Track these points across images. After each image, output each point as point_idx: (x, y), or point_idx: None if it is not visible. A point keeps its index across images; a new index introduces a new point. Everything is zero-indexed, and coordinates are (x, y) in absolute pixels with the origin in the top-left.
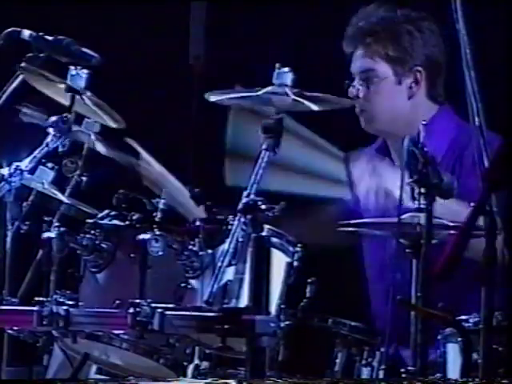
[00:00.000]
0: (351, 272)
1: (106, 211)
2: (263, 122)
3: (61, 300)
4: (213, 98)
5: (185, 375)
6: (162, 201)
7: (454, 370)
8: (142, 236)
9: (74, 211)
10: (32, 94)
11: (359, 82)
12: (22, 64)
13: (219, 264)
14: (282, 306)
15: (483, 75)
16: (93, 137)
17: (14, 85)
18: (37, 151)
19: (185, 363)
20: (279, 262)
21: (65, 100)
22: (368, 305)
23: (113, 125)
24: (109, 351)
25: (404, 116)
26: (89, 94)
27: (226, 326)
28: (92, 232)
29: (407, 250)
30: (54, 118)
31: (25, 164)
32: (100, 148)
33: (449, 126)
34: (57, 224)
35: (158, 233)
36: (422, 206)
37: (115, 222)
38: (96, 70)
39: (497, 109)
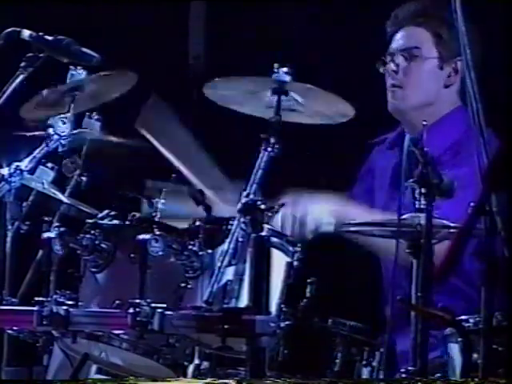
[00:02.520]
0: (352, 272)
1: (106, 211)
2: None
3: (61, 300)
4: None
5: (185, 375)
6: (162, 201)
7: (453, 369)
8: (142, 236)
9: (74, 211)
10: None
11: (401, 58)
12: (22, 64)
13: (219, 264)
14: (282, 306)
15: (483, 75)
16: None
17: (14, 85)
18: (37, 151)
19: (185, 363)
20: (279, 262)
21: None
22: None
23: (132, 81)
24: (109, 351)
25: (434, 104)
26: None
27: (226, 326)
28: (92, 232)
29: (407, 250)
30: (54, 118)
31: (25, 164)
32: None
33: (457, 127)
34: (57, 224)
35: (157, 233)
36: (422, 206)
37: (115, 221)
38: (96, 70)
39: (497, 109)
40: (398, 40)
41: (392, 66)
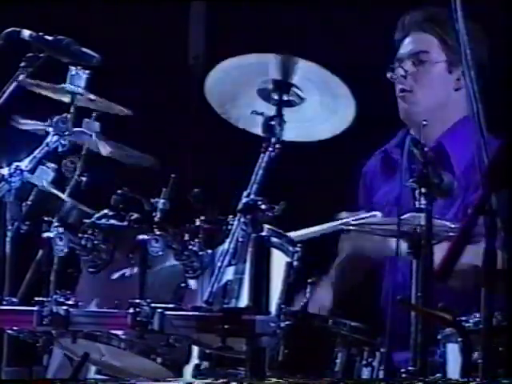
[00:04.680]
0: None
1: (104, 211)
2: (263, 121)
3: (61, 300)
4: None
5: (185, 375)
6: (161, 201)
7: (454, 370)
8: (142, 236)
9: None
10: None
11: (409, 63)
12: (22, 64)
13: (219, 264)
14: (282, 306)
15: (483, 75)
16: (94, 137)
17: (14, 85)
18: (37, 151)
19: (185, 363)
20: (279, 262)
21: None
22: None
23: (121, 113)
24: (108, 352)
25: (446, 107)
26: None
27: (226, 326)
28: (90, 232)
29: (407, 250)
30: (54, 118)
31: (25, 164)
32: (101, 148)
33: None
34: (57, 224)
35: (157, 233)
36: (422, 206)
37: (113, 221)
38: (96, 70)
39: (497, 109)
40: (406, 46)
41: (401, 71)
